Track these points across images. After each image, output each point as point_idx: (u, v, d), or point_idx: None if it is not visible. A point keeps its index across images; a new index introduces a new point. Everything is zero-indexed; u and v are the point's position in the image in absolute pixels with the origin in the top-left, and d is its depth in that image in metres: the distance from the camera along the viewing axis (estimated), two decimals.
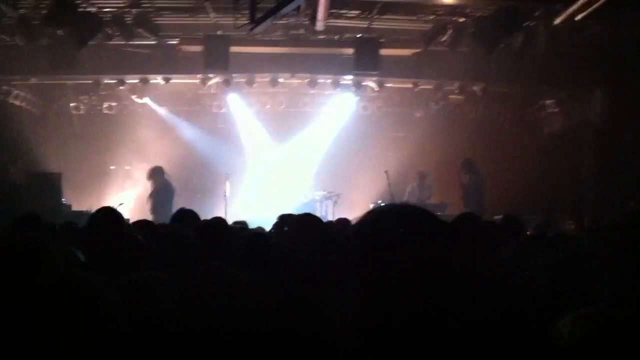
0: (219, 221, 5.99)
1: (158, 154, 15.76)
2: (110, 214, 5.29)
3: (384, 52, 13.34)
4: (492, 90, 15.59)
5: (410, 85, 15.29)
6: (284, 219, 6.70)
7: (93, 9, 11.93)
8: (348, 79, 14.94)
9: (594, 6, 10.52)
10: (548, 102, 15.98)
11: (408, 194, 15.16)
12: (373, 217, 1.57)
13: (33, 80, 14.73)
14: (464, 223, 4.90)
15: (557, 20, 11.48)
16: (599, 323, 2.14)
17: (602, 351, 2.06)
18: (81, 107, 16.47)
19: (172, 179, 13.94)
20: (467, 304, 1.50)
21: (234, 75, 14.57)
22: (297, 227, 4.87)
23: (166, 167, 14.02)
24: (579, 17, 11.09)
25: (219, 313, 3.03)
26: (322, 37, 13.29)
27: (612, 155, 13.73)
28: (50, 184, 13.59)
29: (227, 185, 14.73)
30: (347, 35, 13.44)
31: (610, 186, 13.43)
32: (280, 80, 14.92)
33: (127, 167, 17.05)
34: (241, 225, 7.60)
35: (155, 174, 13.77)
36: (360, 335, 1.48)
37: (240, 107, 16.62)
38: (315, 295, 3.39)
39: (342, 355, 1.57)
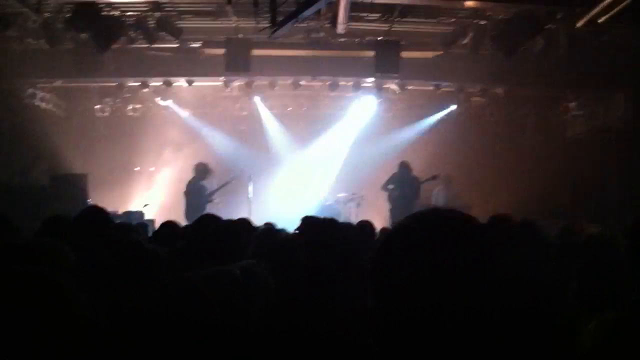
0: (243, 222, 6.06)
1: (181, 155, 15.88)
2: (95, 215, 5.28)
3: (404, 54, 13.34)
4: (514, 93, 15.52)
5: (431, 88, 15.26)
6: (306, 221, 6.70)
7: (116, 13, 12.06)
8: (369, 81, 14.95)
9: (616, 9, 10.44)
10: (571, 105, 15.86)
11: (435, 197, 15.24)
12: (414, 223, 1.57)
13: (58, 83, 14.90)
14: (495, 227, 4.91)
15: (579, 24, 11.41)
16: (623, 328, 2.13)
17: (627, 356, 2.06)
18: (106, 109, 16.64)
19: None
20: (497, 307, 1.51)
21: (255, 78, 14.65)
22: (309, 231, 4.89)
23: (189, 169, 14.12)
24: (601, 20, 11.02)
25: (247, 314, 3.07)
26: (342, 40, 13.31)
27: (635, 159, 13.61)
28: (76, 186, 13.71)
29: (251, 187, 14.78)
30: (368, 38, 13.46)
31: (634, 189, 13.31)
32: (302, 83, 14.98)
33: (151, 169, 17.22)
34: (268, 227, 7.61)
35: (194, 171, 13.90)
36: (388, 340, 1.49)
37: (262, 109, 16.69)
38: (328, 298, 3.42)
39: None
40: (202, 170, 13.85)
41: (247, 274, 3.26)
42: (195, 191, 13.64)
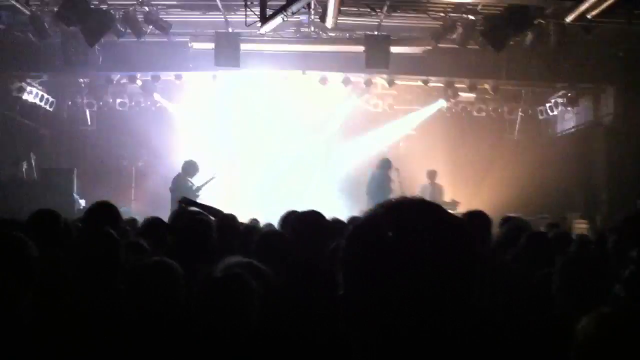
0: (230, 218, 6.06)
1: (170, 150, 15.81)
2: (106, 210, 5.21)
3: (394, 49, 13.31)
4: (502, 88, 15.51)
5: (420, 83, 15.24)
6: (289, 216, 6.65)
7: (104, 6, 12.00)
8: (358, 76, 14.92)
9: (606, 4, 10.43)
10: (560, 100, 15.88)
11: (420, 193, 15.17)
12: (386, 211, 1.54)
13: (46, 77, 14.81)
14: (475, 221, 4.88)
15: (569, 18, 11.39)
16: (618, 322, 2.12)
17: (621, 351, 2.05)
18: (94, 103, 16.55)
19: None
20: (479, 301, 1.49)
21: (245, 72, 14.59)
22: (298, 224, 4.85)
23: (177, 164, 14.03)
24: (590, 14, 11.01)
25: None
26: (332, 34, 13.29)
27: (624, 154, 13.66)
28: (63, 180, 13.69)
29: (239, 182, 14.71)
30: (358, 32, 13.44)
31: (622, 185, 13.36)
32: (291, 77, 14.94)
33: (139, 163, 17.15)
34: (254, 224, 7.60)
35: (182, 168, 13.79)
36: (370, 336, 1.47)
37: (252, 103, 16.62)
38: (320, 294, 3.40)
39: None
40: (189, 167, 13.76)
41: (251, 272, 3.23)
42: (181, 187, 13.56)
